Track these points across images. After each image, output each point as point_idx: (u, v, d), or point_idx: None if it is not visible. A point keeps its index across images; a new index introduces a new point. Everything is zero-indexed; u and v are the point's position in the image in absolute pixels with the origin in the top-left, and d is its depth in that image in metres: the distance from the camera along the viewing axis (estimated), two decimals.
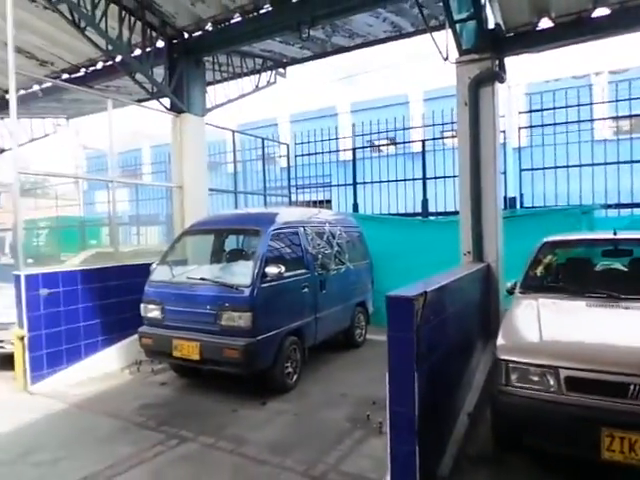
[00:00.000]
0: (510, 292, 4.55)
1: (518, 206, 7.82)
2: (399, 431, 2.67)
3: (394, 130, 9.12)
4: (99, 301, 5.90)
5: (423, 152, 8.43)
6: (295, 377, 5.32)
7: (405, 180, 8.66)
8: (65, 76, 9.14)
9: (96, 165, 25.34)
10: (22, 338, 5.13)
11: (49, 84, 9.22)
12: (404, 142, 10.00)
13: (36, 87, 9.18)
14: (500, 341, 3.34)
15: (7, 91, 9.90)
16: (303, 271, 5.57)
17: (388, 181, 8.80)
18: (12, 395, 5.27)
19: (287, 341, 5.15)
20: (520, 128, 8.49)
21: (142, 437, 4.21)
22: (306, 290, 5.53)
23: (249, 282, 4.75)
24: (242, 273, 4.94)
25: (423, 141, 8.58)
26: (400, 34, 7.90)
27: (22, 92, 9.52)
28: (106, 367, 5.97)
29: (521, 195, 7.96)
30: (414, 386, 2.60)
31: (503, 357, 3.16)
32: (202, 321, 4.87)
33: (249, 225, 5.78)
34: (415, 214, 8.54)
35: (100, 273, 6.00)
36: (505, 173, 7.81)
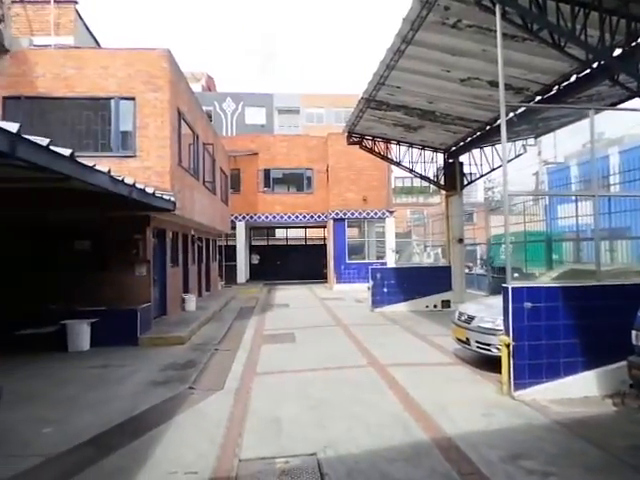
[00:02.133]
0: None
1: None
2: None
3: None
4: (579, 320, 5.71)
5: None
6: None
7: None
8: (538, 98, 9.53)
9: (557, 180, 25.18)
10: (508, 345, 5.63)
11: (522, 109, 9.84)
12: None
13: (511, 114, 9.99)
14: None
15: (488, 123, 11.44)
16: None
17: None
18: (497, 397, 5.84)
19: None
20: None
21: None
22: None
23: None
24: None
25: None
26: None
27: (498, 121, 10.66)
28: (585, 391, 5.70)
29: None
30: None
31: None
32: None
33: None
34: None
35: (580, 291, 5.81)
36: None
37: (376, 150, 14.53)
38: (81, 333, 9.21)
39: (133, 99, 10.28)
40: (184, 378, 7.03)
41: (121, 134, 10.37)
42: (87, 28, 15.17)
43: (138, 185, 7.68)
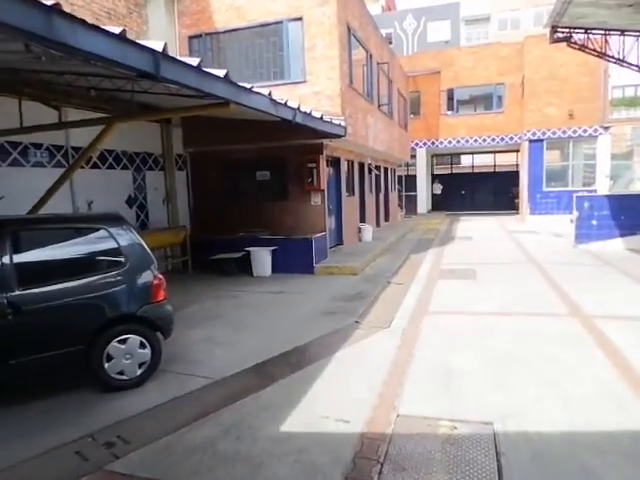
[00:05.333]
0: None
1: None
2: None
3: None
4: None
5: None
6: None
7: None
8: None
9: None
10: None
11: None
12: None
13: None
14: None
15: None
16: None
17: None
18: None
19: None
20: None
21: None
22: None
23: None
24: None
25: None
26: None
27: None
28: None
29: None
30: None
31: None
32: None
33: None
34: None
35: None
36: None
37: (590, 47, 11.47)
38: (263, 260, 9.70)
39: (301, 19, 9.76)
40: (352, 310, 6.73)
41: (291, 59, 10.06)
42: None
43: (303, 109, 7.26)
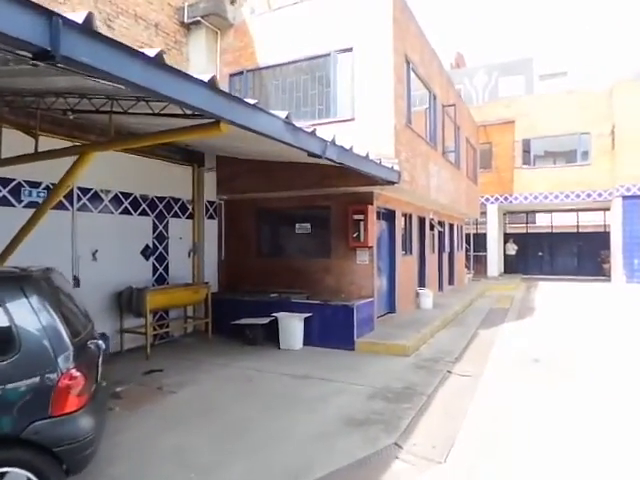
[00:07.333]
0: None
1: None
2: None
3: None
4: None
5: None
6: None
7: None
8: None
9: None
10: None
11: None
12: None
13: None
14: None
15: None
16: None
17: None
18: None
19: None
20: None
21: None
22: None
23: None
24: None
25: None
26: None
27: None
28: None
29: None
30: None
31: None
32: None
33: None
34: None
35: None
36: None
37: None
38: (293, 329, 7.93)
39: (350, 50, 8.44)
40: (393, 419, 4.72)
41: (338, 95, 8.67)
42: None
43: (339, 142, 5.68)
